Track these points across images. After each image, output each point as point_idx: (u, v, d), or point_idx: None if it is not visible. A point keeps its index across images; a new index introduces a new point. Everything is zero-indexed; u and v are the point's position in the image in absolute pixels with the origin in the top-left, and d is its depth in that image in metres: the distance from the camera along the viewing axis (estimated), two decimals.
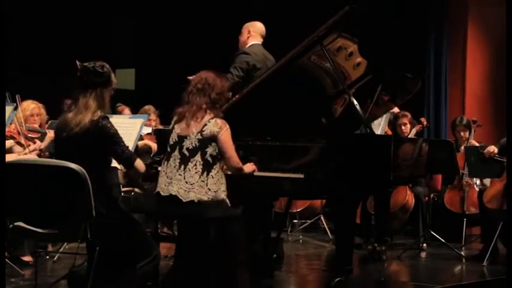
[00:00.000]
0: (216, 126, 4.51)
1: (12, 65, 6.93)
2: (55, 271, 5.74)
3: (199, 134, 4.50)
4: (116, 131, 4.27)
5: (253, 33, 6.36)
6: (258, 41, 6.39)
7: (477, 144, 7.34)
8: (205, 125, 4.51)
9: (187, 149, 4.51)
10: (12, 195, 4.09)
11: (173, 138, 4.59)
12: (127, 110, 7.92)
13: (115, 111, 7.41)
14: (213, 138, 4.49)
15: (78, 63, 4.28)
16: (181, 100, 4.67)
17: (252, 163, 4.78)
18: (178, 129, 4.59)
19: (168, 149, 4.61)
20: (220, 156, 4.53)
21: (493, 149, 6.58)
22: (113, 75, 4.34)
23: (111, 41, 10.20)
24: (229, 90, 6.33)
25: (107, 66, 4.31)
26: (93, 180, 4.03)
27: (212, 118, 4.54)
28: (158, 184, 4.60)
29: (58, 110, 6.62)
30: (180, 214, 4.58)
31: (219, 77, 4.71)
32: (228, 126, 4.55)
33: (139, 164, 4.38)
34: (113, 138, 4.25)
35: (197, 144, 4.49)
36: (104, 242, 4.12)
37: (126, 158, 4.33)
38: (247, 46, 6.31)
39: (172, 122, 4.68)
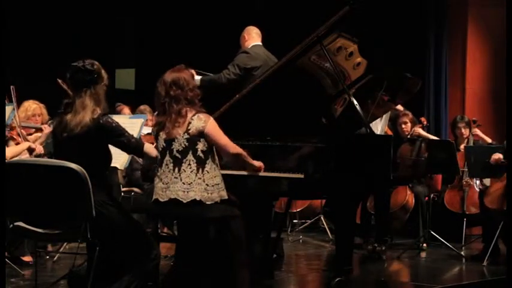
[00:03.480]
0: (200, 121, 4.44)
1: (11, 65, 6.91)
2: (55, 271, 5.74)
3: (185, 134, 4.42)
4: (118, 123, 4.29)
5: (248, 36, 6.56)
6: (257, 41, 6.57)
7: (483, 136, 7.39)
8: (190, 123, 4.43)
9: (178, 151, 4.43)
10: (12, 195, 4.10)
11: (161, 144, 4.50)
12: (126, 110, 7.89)
13: (114, 111, 7.38)
14: (200, 134, 4.43)
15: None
16: (157, 109, 4.57)
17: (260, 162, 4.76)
18: (163, 135, 4.48)
19: (159, 156, 4.52)
20: (212, 149, 4.47)
21: (498, 156, 6.50)
22: (103, 70, 4.33)
23: (111, 40, 10.18)
24: (226, 86, 6.39)
25: (96, 63, 4.31)
26: (93, 180, 4.04)
27: (194, 115, 4.45)
28: (155, 191, 4.53)
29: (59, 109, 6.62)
30: (180, 214, 4.57)
31: (181, 72, 4.54)
32: (212, 118, 4.49)
33: (149, 148, 4.42)
34: (117, 131, 4.27)
35: (186, 144, 4.42)
36: (104, 242, 4.12)
37: (134, 146, 4.36)
38: (248, 47, 6.44)
39: (155, 131, 4.56)
